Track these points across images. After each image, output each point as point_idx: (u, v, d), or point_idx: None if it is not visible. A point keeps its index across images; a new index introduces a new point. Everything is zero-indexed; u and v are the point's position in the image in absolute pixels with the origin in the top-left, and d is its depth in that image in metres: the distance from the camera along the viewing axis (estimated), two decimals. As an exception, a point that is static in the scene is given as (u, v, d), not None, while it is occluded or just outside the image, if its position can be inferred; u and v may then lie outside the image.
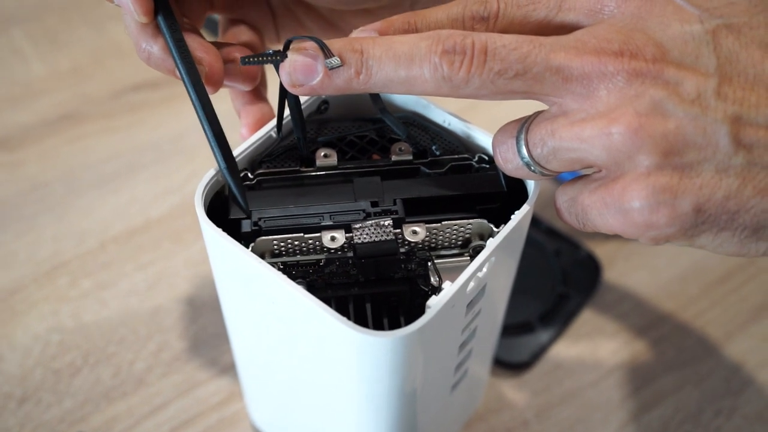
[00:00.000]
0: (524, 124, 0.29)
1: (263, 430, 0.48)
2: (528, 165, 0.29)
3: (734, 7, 0.27)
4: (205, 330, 0.52)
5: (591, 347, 0.53)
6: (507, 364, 0.51)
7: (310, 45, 0.29)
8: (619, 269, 0.57)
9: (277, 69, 0.30)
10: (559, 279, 0.55)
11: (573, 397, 0.50)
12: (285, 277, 0.30)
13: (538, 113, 0.29)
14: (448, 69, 0.27)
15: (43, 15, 0.75)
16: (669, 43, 0.27)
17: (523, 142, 0.29)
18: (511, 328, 0.52)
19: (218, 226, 0.31)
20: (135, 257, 0.56)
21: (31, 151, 0.63)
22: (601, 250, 0.57)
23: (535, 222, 0.58)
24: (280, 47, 0.30)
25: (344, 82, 0.29)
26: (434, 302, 0.29)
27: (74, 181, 0.61)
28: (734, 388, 0.51)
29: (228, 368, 0.50)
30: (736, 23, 0.27)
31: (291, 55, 0.29)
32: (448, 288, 0.29)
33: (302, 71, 0.29)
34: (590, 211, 0.29)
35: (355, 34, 0.31)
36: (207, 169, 0.33)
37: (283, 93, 0.33)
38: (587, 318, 0.54)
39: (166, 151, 0.64)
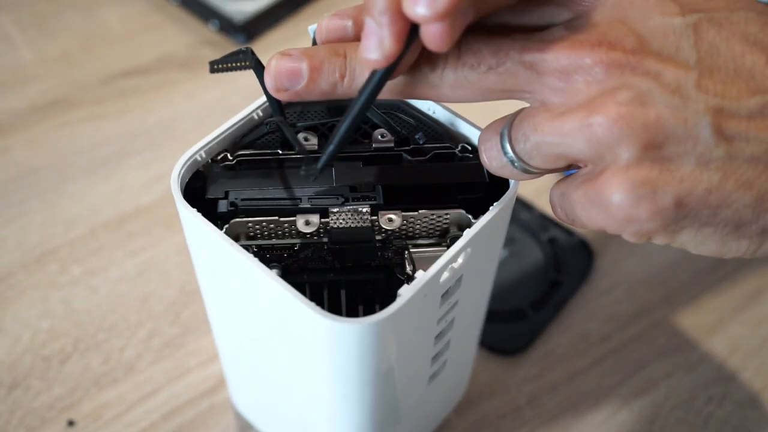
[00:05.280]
0: (509, 121, 0.29)
1: (247, 417, 0.48)
2: (512, 161, 0.29)
3: (714, 2, 0.27)
4: (195, 317, 0.52)
5: (583, 333, 0.53)
6: (499, 351, 0.51)
7: (295, 51, 0.29)
8: (612, 256, 0.57)
9: (258, 73, 0.30)
10: (552, 265, 0.55)
11: (565, 384, 0.50)
12: (255, 259, 0.29)
13: (522, 109, 0.29)
14: (424, 65, 0.27)
15: (31, 0, 0.75)
16: (649, 35, 0.26)
17: (506, 138, 0.28)
18: (504, 315, 0.52)
19: (197, 207, 0.31)
20: (125, 244, 0.56)
21: (20, 137, 0.63)
22: (593, 237, 0.57)
23: (528, 208, 0.58)
24: None
25: (329, 86, 0.29)
26: (405, 291, 0.28)
27: (64, 168, 0.61)
28: (726, 375, 0.51)
29: (218, 355, 0.50)
30: (717, 17, 0.26)
31: (276, 61, 0.29)
32: (420, 277, 0.29)
33: (287, 76, 0.29)
34: (576, 205, 0.28)
35: (325, 24, 0.30)
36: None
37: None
38: (580, 304, 0.54)
39: (157, 137, 0.63)
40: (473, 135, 0.34)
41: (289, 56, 0.29)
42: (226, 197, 0.32)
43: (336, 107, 0.36)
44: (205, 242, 0.31)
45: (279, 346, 0.34)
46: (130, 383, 0.49)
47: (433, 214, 0.33)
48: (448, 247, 0.30)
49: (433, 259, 0.29)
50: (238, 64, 0.30)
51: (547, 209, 0.58)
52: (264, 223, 0.32)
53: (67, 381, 0.49)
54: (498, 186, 0.33)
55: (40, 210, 0.58)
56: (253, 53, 0.31)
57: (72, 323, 0.52)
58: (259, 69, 0.31)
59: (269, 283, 0.29)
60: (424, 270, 0.29)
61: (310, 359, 0.32)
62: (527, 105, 0.29)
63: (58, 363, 0.50)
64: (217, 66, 0.30)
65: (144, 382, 0.49)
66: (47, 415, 0.48)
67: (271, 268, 0.29)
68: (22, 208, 0.58)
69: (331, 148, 0.29)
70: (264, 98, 0.34)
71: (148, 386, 0.49)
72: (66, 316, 0.52)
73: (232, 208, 0.32)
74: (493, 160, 0.29)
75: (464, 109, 0.35)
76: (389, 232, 0.32)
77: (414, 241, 0.33)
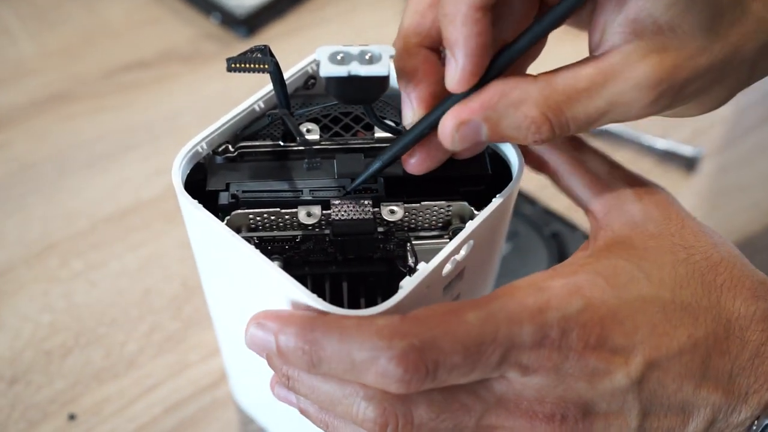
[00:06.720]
0: None
1: (248, 411, 0.47)
2: None
3: (658, 338, 0.28)
4: (196, 311, 0.52)
5: (587, 328, 0.52)
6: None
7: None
8: (616, 250, 0.56)
9: (274, 76, 0.31)
10: (555, 260, 0.54)
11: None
12: (257, 250, 0.29)
13: None
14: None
15: (32, -7, 0.74)
16: (598, 398, 0.28)
17: None
18: (507, 309, 0.52)
19: (198, 200, 0.30)
20: (126, 238, 0.56)
21: (20, 131, 0.63)
22: (597, 231, 0.57)
23: (532, 203, 0.58)
24: None
25: None
26: (407, 283, 0.28)
27: (64, 162, 0.61)
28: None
29: (220, 349, 0.50)
30: (658, 360, 0.28)
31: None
32: (422, 269, 0.29)
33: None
34: None
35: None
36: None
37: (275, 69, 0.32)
38: (583, 299, 0.54)
39: (158, 131, 0.63)
40: None
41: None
42: (227, 189, 0.32)
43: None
44: (207, 234, 0.31)
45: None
46: (131, 378, 0.49)
47: (435, 206, 0.32)
48: (451, 239, 0.30)
49: (436, 251, 0.29)
50: (257, 66, 0.29)
51: (551, 203, 0.58)
52: (265, 215, 0.32)
53: (68, 375, 0.49)
54: (500, 178, 0.32)
55: (41, 204, 0.58)
56: (271, 53, 0.31)
57: (73, 318, 0.52)
58: (276, 73, 0.31)
59: (271, 274, 0.28)
60: (427, 262, 0.29)
61: None
62: None
63: (59, 357, 0.50)
64: (235, 65, 0.29)
65: (145, 376, 0.49)
66: (48, 409, 0.47)
67: (272, 260, 0.29)
68: (22, 202, 0.58)
69: (371, 170, 0.31)
70: (265, 90, 0.34)
71: (149, 381, 0.49)
72: (67, 310, 0.52)
73: (233, 200, 0.32)
74: None
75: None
76: (391, 224, 0.32)
77: (416, 233, 0.33)
